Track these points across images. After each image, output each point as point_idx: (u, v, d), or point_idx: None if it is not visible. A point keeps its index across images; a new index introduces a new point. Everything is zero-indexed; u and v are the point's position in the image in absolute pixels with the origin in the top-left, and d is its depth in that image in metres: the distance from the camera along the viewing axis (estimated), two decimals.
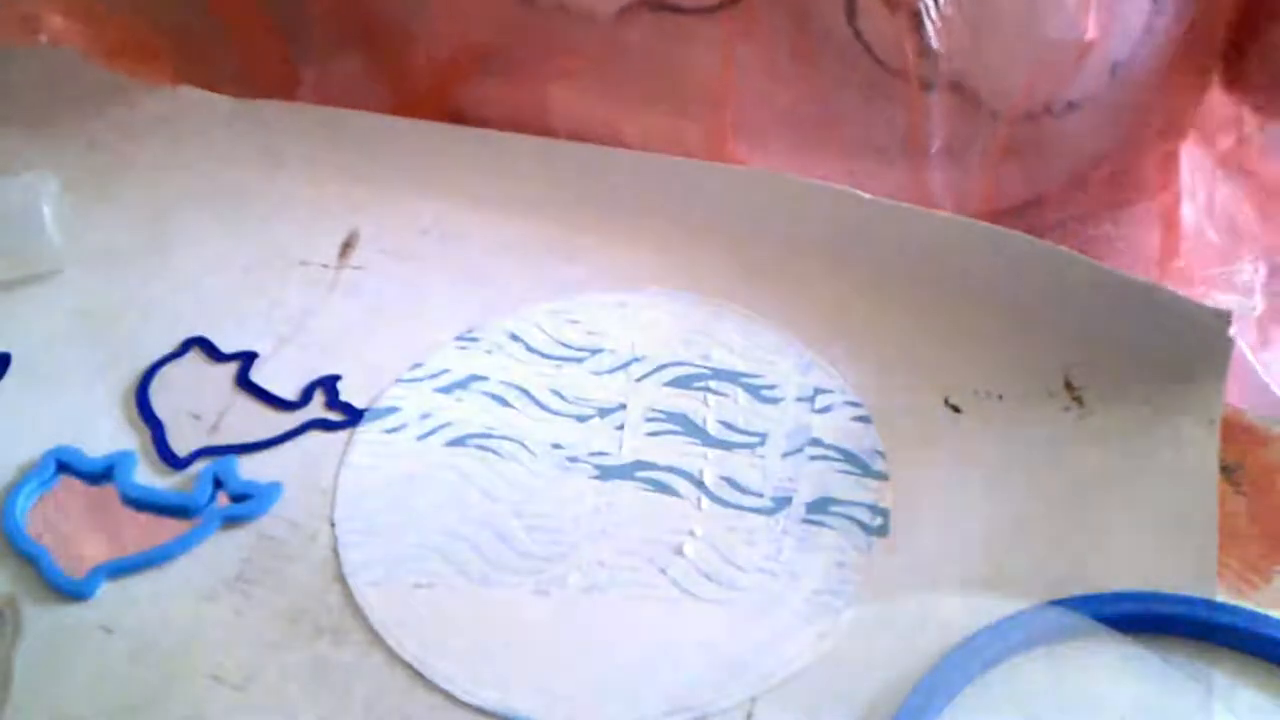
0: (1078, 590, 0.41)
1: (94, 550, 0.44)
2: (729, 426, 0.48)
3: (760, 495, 0.45)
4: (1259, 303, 0.59)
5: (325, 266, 0.54)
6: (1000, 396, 0.48)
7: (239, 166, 0.58)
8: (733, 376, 0.49)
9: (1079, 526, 0.44)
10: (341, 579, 0.43)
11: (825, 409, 0.48)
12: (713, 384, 0.49)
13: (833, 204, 0.52)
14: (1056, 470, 0.45)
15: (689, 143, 0.55)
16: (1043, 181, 0.57)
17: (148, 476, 0.47)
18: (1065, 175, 0.57)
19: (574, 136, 0.56)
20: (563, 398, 0.49)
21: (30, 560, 0.44)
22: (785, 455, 0.47)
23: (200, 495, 0.46)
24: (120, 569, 0.44)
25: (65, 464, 0.47)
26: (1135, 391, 0.47)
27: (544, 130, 0.57)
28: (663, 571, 0.43)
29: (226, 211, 0.56)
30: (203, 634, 0.42)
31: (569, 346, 0.50)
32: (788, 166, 0.54)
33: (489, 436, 0.47)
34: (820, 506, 0.45)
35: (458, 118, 0.59)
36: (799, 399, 0.48)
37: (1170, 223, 0.60)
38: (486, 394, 0.49)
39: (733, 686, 0.40)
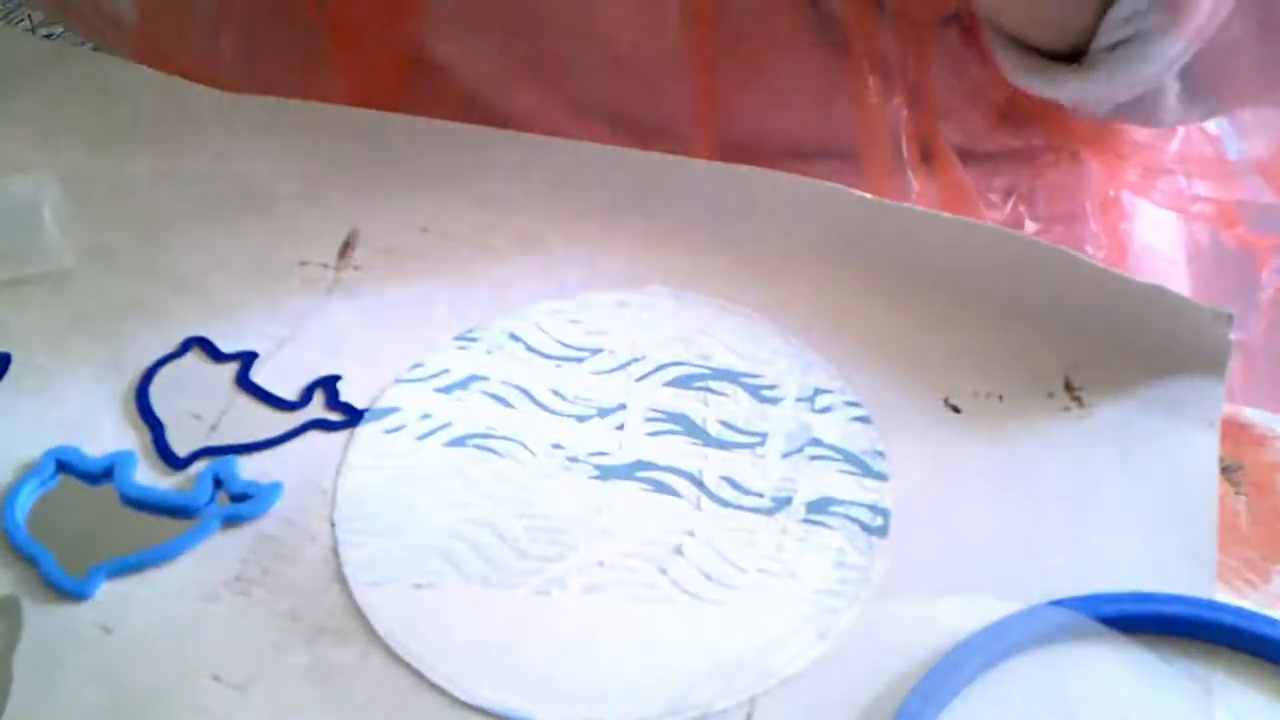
0: (1078, 590, 0.41)
1: (94, 550, 0.44)
2: (729, 426, 0.48)
3: (760, 495, 0.45)
4: None
5: (325, 266, 0.54)
6: (1000, 396, 0.48)
7: (239, 165, 0.58)
8: (733, 376, 0.49)
9: (1079, 526, 0.44)
10: (341, 579, 0.43)
11: (825, 409, 0.48)
12: (713, 384, 0.49)
13: (832, 203, 0.52)
14: (1056, 470, 0.45)
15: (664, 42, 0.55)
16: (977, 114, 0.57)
17: (148, 476, 0.47)
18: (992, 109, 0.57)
19: (543, 12, 0.56)
20: (563, 398, 0.49)
21: (30, 560, 0.44)
22: (785, 455, 0.47)
23: (200, 495, 0.46)
24: (120, 569, 0.44)
25: (65, 464, 0.47)
26: (1135, 391, 0.47)
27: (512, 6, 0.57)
28: (663, 571, 0.43)
29: (226, 211, 0.56)
30: (203, 634, 0.42)
31: (569, 346, 0.50)
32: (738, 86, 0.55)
33: (489, 436, 0.47)
34: (820, 506, 0.45)
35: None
36: (799, 399, 0.48)
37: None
38: (486, 394, 0.49)
39: (733, 686, 0.40)
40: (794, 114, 0.57)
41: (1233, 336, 0.46)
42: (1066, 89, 0.52)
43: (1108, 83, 0.51)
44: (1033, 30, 0.52)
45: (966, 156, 0.58)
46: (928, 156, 0.57)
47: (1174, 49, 0.49)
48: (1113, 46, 0.50)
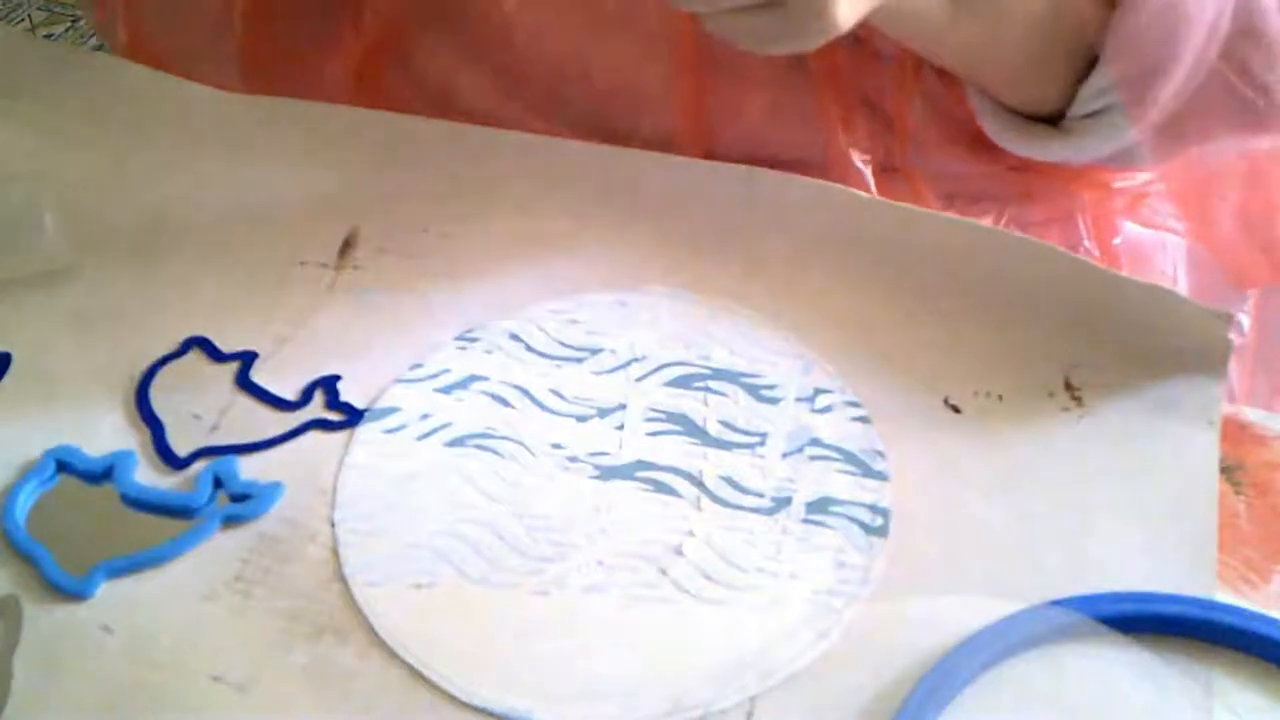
0: (1078, 590, 0.41)
1: (94, 550, 0.44)
2: (729, 426, 0.48)
3: (760, 495, 0.45)
4: None
5: (325, 266, 0.54)
6: (1000, 396, 0.48)
7: (238, 165, 0.58)
8: (733, 376, 0.49)
9: (1079, 526, 0.44)
10: (341, 579, 0.43)
11: (825, 409, 0.48)
12: (713, 384, 0.49)
13: (833, 204, 0.52)
14: (1056, 470, 0.45)
15: (653, 75, 0.56)
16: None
17: (148, 476, 0.47)
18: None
19: (534, 56, 0.56)
20: (563, 398, 0.49)
21: (30, 560, 0.44)
22: (785, 455, 0.47)
23: (200, 495, 0.46)
24: (120, 569, 0.44)
25: (65, 464, 0.47)
26: (1135, 391, 0.47)
27: (504, 37, 0.56)
28: (663, 571, 0.43)
29: (226, 211, 0.56)
30: (203, 634, 0.42)
31: (569, 346, 0.50)
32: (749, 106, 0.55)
33: (489, 436, 0.47)
34: (820, 506, 0.45)
35: (409, 51, 0.59)
36: (799, 399, 0.48)
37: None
38: (486, 394, 0.49)
39: (733, 686, 0.40)
40: (774, 142, 0.56)
41: (1235, 341, 0.46)
42: (1046, 150, 0.54)
43: (1084, 147, 0.53)
44: (1013, 98, 0.54)
45: (953, 198, 0.58)
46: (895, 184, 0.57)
47: (1144, 119, 0.51)
48: (1087, 115, 0.52)
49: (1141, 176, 0.59)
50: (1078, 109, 0.52)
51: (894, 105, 0.56)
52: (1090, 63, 0.51)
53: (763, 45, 0.45)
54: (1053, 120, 0.54)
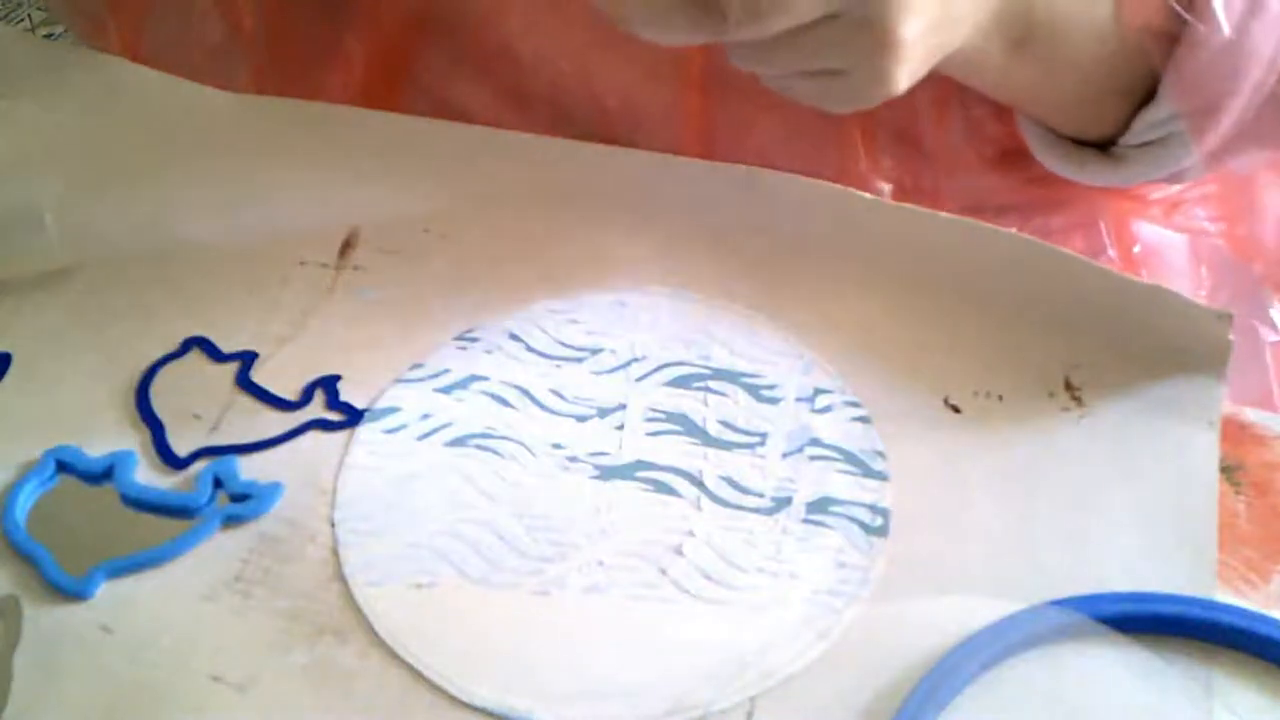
0: (1078, 590, 0.41)
1: (94, 550, 0.44)
2: (729, 426, 0.48)
3: (760, 495, 0.45)
4: None
5: (325, 266, 0.54)
6: (1000, 396, 0.48)
7: (239, 165, 0.58)
8: (733, 376, 0.49)
9: (1079, 526, 0.44)
10: (341, 579, 0.43)
11: (825, 409, 0.48)
12: (713, 384, 0.49)
13: (833, 204, 0.52)
14: (1056, 470, 0.45)
15: (658, 94, 0.55)
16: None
17: (148, 476, 0.47)
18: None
19: (538, 74, 0.56)
20: (563, 398, 0.49)
21: (30, 560, 0.44)
22: (785, 455, 0.47)
23: (200, 495, 0.46)
24: (120, 569, 0.44)
25: (65, 464, 0.47)
26: (1135, 391, 0.47)
27: (509, 53, 0.56)
28: (663, 571, 0.43)
29: (227, 211, 0.56)
30: (203, 634, 0.42)
31: (569, 346, 0.50)
32: (759, 124, 0.55)
33: (489, 436, 0.47)
34: (820, 506, 0.45)
35: (413, 57, 0.59)
36: (799, 399, 0.48)
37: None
38: (487, 394, 0.49)
39: (733, 686, 0.40)
40: (784, 164, 0.56)
41: (1271, 339, 0.46)
42: (1097, 175, 0.54)
43: (1136, 175, 0.53)
44: (1064, 126, 0.54)
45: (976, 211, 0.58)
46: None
47: (1202, 149, 0.51)
48: (1142, 144, 0.52)
49: (1177, 187, 0.59)
50: (1131, 139, 0.52)
51: (930, 131, 0.55)
52: (1146, 93, 0.51)
53: (820, 105, 0.45)
54: (1104, 143, 0.54)
